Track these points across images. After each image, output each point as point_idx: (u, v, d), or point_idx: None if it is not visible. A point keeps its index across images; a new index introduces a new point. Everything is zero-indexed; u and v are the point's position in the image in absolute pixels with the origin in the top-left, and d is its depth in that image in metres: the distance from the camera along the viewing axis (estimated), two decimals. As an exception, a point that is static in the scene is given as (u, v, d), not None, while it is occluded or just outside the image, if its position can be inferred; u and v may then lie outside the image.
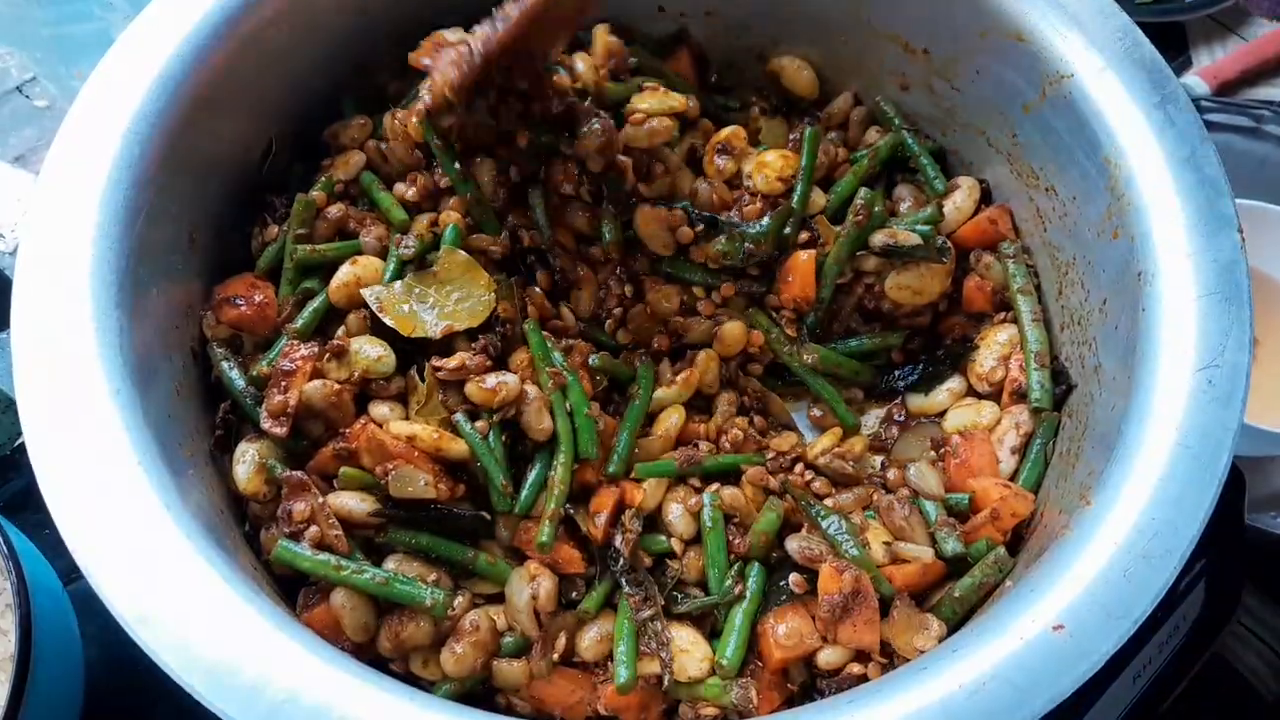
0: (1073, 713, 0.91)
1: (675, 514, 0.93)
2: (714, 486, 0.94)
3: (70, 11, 1.45)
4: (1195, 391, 0.79)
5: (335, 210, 0.98)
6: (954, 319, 1.09)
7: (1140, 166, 0.88)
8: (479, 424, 0.89)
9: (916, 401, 1.06)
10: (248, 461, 0.88)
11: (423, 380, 0.91)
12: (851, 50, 1.12)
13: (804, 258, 1.03)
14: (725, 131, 1.07)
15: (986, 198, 1.08)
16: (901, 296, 1.05)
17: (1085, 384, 0.94)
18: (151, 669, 0.67)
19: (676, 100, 1.03)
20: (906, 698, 0.70)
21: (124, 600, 0.69)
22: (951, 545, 0.88)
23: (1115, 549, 0.74)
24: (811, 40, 1.14)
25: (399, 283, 0.93)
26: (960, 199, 1.07)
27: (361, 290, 0.92)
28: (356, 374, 0.90)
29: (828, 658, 0.85)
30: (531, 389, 0.91)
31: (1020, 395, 0.99)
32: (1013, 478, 0.95)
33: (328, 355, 0.90)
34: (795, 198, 1.04)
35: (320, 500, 0.85)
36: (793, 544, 0.89)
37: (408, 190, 0.99)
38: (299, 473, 0.86)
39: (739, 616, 0.87)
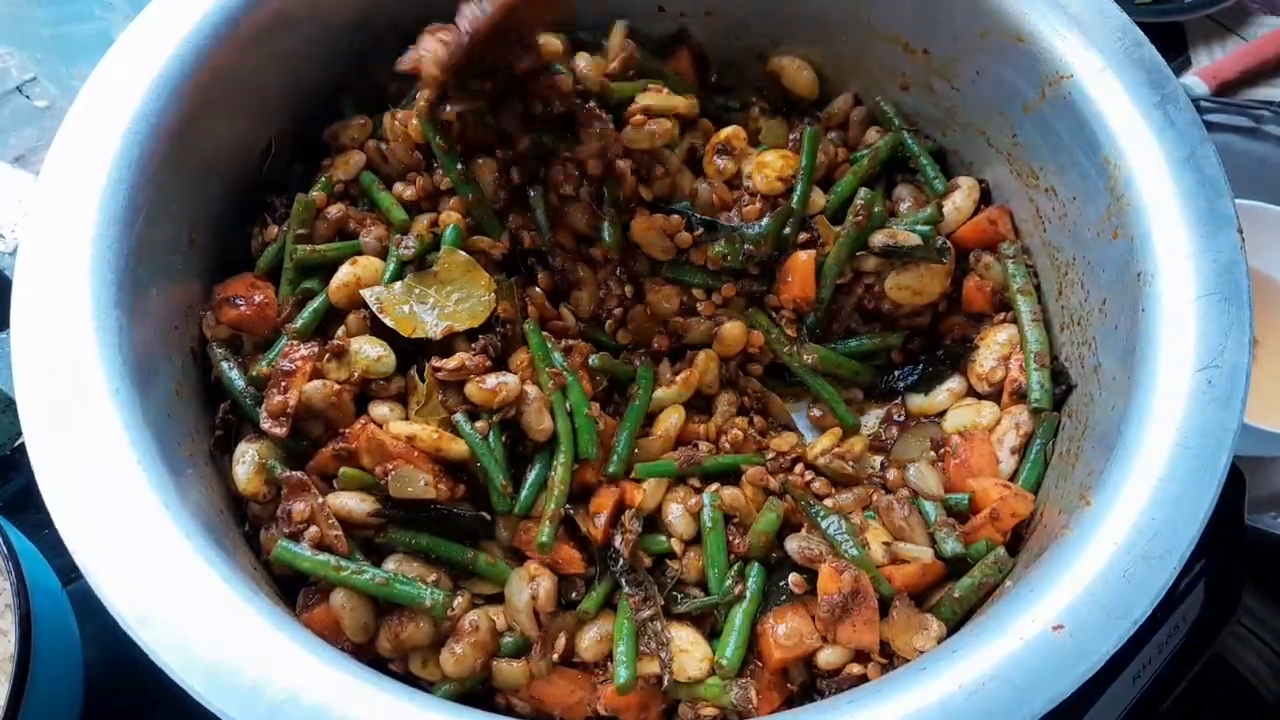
0: (1073, 713, 0.91)
1: (675, 514, 0.93)
2: (714, 486, 0.94)
3: (70, 11, 1.45)
4: (1195, 392, 0.79)
5: (335, 210, 0.98)
6: (954, 319, 1.09)
7: (1140, 167, 0.88)
8: (479, 424, 0.89)
9: (916, 402, 1.06)
10: (247, 462, 0.88)
11: (423, 380, 0.91)
12: (851, 50, 1.12)
13: (804, 258, 1.03)
14: (725, 132, 1.07)
15: (986, 198, 1.08)
16: (901, 297, 1.05)
17: (1085, 384, 0.94)
18: (151, 669, 0.67)
19: (681, 102, 1.03)
20: (906, 698, 0.70)
21: (124, 600, 0.69)
22: (951, 545, 0.88)
23: (1115, 549, 0.74)
24: (811, 40, 1.14)
25: (399, 283, 0.93)
26: (960, 199, 1.07)
27: (362, 291, 0.92)
28: (356, 374, 0.90)
29: (827, 658, 0.85)
30: (531, 389, 0.91)
31: (1020, 395, 0.99)
32: (1012, 478, 0.95)
33: (328, 355, 0.90)
34: (795, 198, 1.04)
35: (320, 500, 0.85)
36: (792, 544, 0.89)
37: (406, 190, 0.99)
38: (299, 473, 0.86)
39: (739, 616, 0.87)
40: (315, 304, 0.94)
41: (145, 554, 0.71)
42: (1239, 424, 0.78)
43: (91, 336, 0.78)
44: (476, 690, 0.86)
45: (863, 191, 1.04)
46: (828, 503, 0.95)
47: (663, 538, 0.92)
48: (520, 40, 0.94)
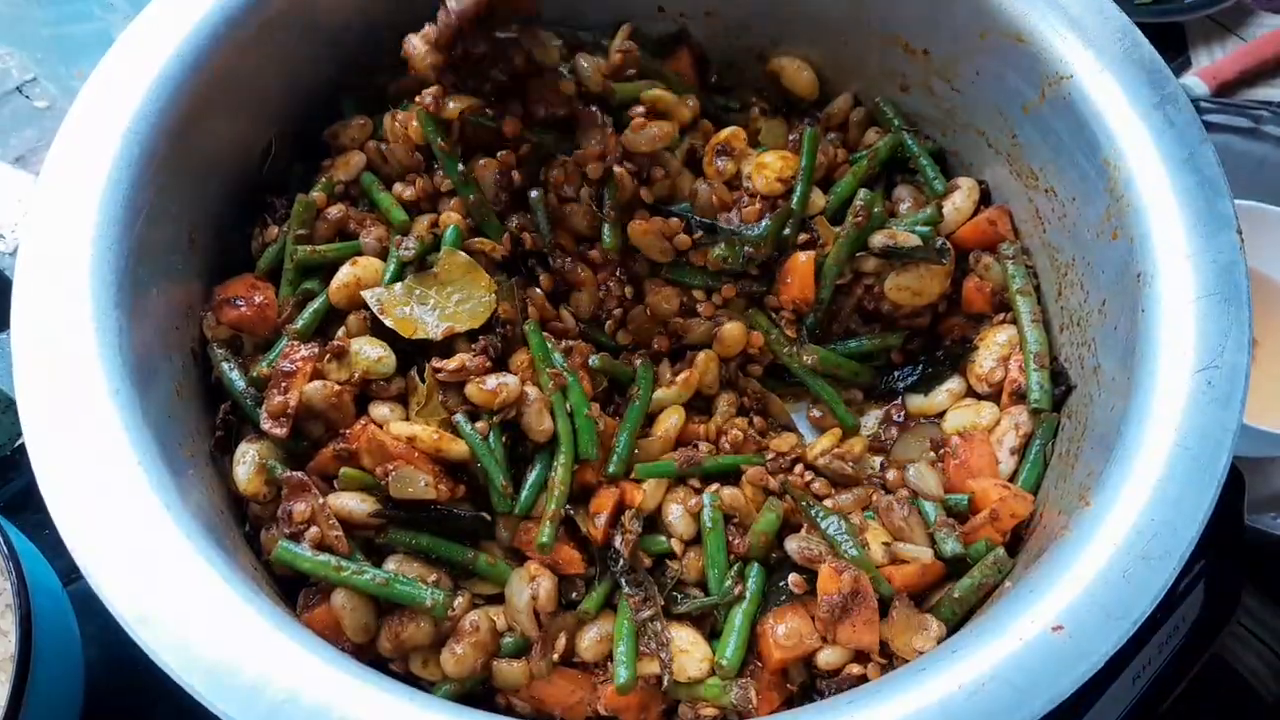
0: (1072, 713, 0.91)
1: (675, 514, 0.93)
2: (714, 487, 0.94)
3: (70, 11, 1.45)
4: (1194, 392, 0.79)
5: (335, 211, 0.98)
6: (953, 320, 1.09)
7: (1139, 168, 0.88)
8: (479, 425, 0.89)
9: (916, 402, 1.06)
10: (248, 462, 0.88)
11: (423, 381, 0.91)
12: (851, 51, 1.12)
13: (803, 259, 1.03)
14: (725, 132, 1.07)
15: (986, 198, 1.09)
16: (901, 297, 1.05)
17: (1084, 385, 0.94)
18: (151, 669, 0.67)
19: (686, 114, 1.05)
20: (905, 698, 0.70)
21: (124, 600, 0.69)
22: (951, 546, 0.88)
23: (1114, 550, 0.74)
24: (811, 41, 1.14)
25: (399, 284, 0.93)
26: (960, 200, 1.07)
27: (362, 292, 0.92)
28: (357, 375, 0.90)
29: (827, 658, 0.85)
30: (532, 390, 0.91)
31: (1019, 396, 0.99)
32: (1012, 478, 0.95)
33: (328, 356, 0.90)
34: (795, 199, 1.04)
35: (320, 501, 0.85)
36: (792, 544, 0.89)
37: (406, 190, 0.99)
38: (299, 473, 0.86)
39: (739, 617, 0.87)
40: (315, 305, 0.94)
41: (146, 554, 0.71)
42: (1238, 424, 0.78)
43: (92, 337, 0.78)
44: (477, 690, 0.86)
45: (862, 192, 1.04)
46: (827, 503, 0.95)
47: (663, 538, 0.93)
48: (510, 20, 0.93)
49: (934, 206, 1.06)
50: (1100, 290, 0.93)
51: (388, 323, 0.91)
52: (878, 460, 1.04)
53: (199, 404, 0.91)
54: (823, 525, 0.90)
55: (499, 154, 0.98)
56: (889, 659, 0.84)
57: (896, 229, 1.03)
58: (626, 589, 0.87)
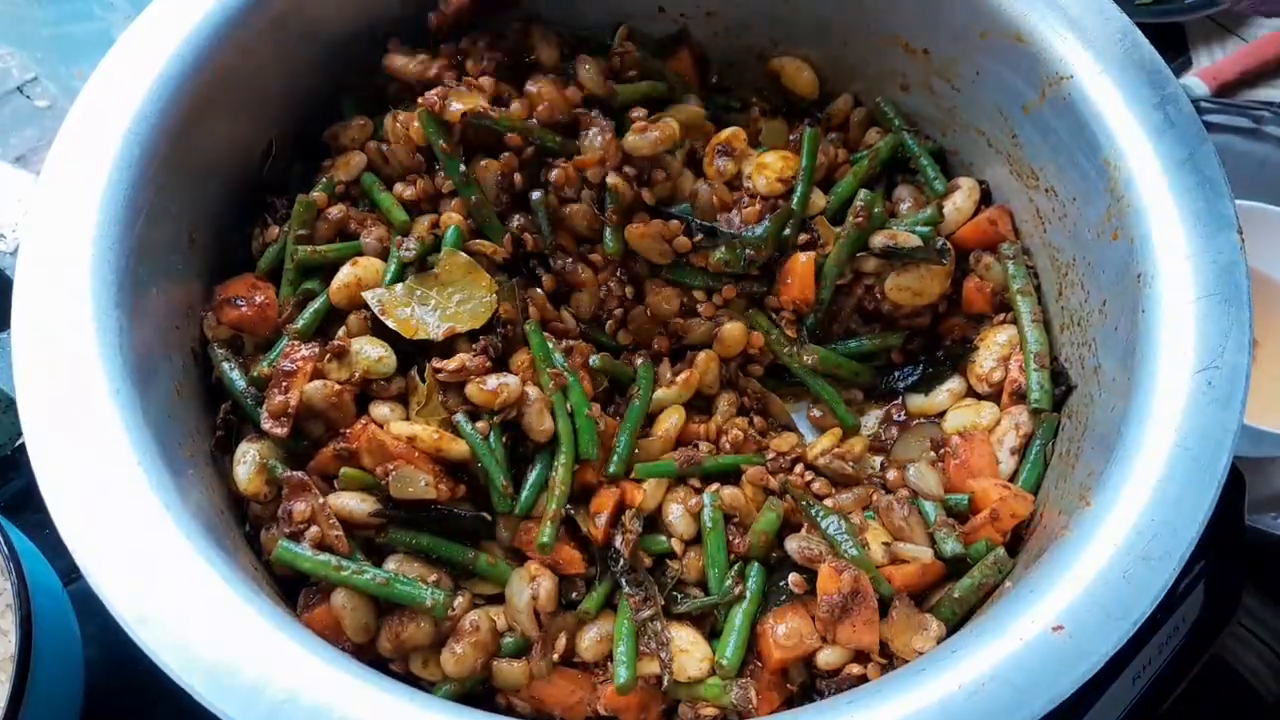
0: (1072, 713, 0.91)
1: (675, 514, 0.93)
2: (714, 487, 0.94)
3: (71, 11, 1.45)
4: (1195, 393, 0.79)
5: (336, 211, 0.98)
6: (954, 320, 1.09)
7: (1140, 168, 0.88)
8: (480, 425, 0.89)
9: (916, 402, 1.06)
10: (248, 462, 0.88)
11: (423, 381, 0.91)
12: (852, 51, 1.12)
13: (803, 260, 1.03)
14: (725, 133, 1.07)
15: (986, 198, 1.08)
16: (901, 298, 1.05)
17: (1085, 385, 0.94)
18: (151, 669, 0.67)
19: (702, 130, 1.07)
20: (905, 698, 0.70)
21: (124, 600, 0.69)
22: (951, 546, 0.88)
23: (1115, 550, 0.74)
24: (812, 41, 1.14)
25: (400, 285, 0.93)
26: (960, 200, 1.07)
27: (363, 293, 0.92)
28: (357, 375, 0.90)
29: (827, 658, 0.85)
30: (532, 390, 0.91)
31: (1020, 396, 0.99)
32: (1012, 478, 0.95)
33: (328, 356, 0.90)
34: (795, 199, 1.04)
35: (321, 501, 0.85)
36: (792, 544, 0.89)
37: (406, 190, 0.99)
38: (299, 473, 0.86)
39: (739, 616, 0.87)
40: (316, 304, 0.94)
41: (145, 554, 0.71)
42: (1239, 425, 0.78)
43: (92, 336, 0.78)
44: (477, 690, 0.86)
45: (863, 192, 1.04)
46: (828, 503, 0.95)
47: (663, 538, 0.93)
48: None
49: (934, 206, 1.06)
50: (1101, 290, 0.93)
51: (389, 323, 0.91)
52: (878, 460, 1.04)
53: (199, 404, 0.91)
54: (823, 525, 0.90)
55: (501, 156, 0.98)
56: (889, 659, 0.84)
57: (897, 229, 1.03)
58: (626, 589, 0.87)
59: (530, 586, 0.85)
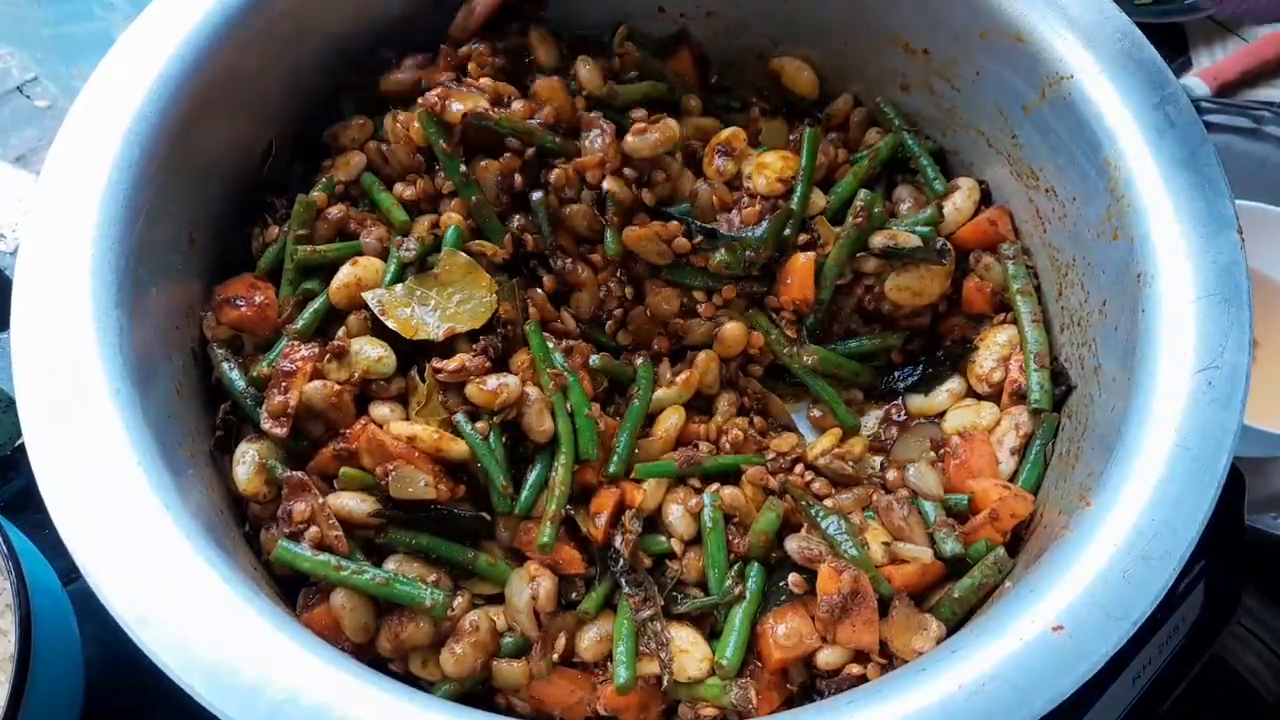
0: (1072, 714, 0.91)
1: (675, 514, 0.93)
2: (714, 487, 0.94)
3: (71, 11, 1.45)
4: (1195, 393, 0.79)
5: (336, 211, 0.98)
6: (954, 320, 1.09)
7: (1140, 168, 0.88)
8: (479, 425, 0.89)
9: (916, 402, 1.06)
10: (248, 462, 0.88)
11: (423, 381, 0.91)
12: (851, 51, 1.12)
13: (803, 260, 1.03)
14: (725, 133, 1.07)
15: (986, 199, 1.08)
16: (901, 298, 1.05)
17: (1085, 385, 0.94)
18: (151, 669, 0.67)
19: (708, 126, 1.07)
20: (906, 698, 0.70)
21: (124, 600, 0.69)
22: (951, 546, 0.88)
23: (1115, 550, 0.74)
24: (812, 41, 1.14)
25: (400, 285, 0.93)
26: (960, 200, 1.07)
27: (363, 293, 0.92)
28: (357, 375, 0.90)
29: (827, 658, 0.85)
30: (532, 390, 0.91)
31: (1020, 396, 0.99)
32: (1012, 478, 0.95)
33: (328, 356, 0.90)
34: (795, 199, 1.04)
35: (320, 501, 0.85)
36: (792, 544, 0.89)
37: (406, 190, 0.99)
38: (299, 473, 0.86)
39: (739, 617, 0.87)
40: (316, 305, 0.94)
41: (145, 554, 0.71)
42: (1239, 425, 0.78)
43: (92, 336, 0.78)
44: (476, 690, 0.86)
45: (863, 192, 1.04)
46: (828, 503, 0.94)
47: (663, 538, 0.92)
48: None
49: (934, 207, 1.06)
50: (1101, 290, 0.93)
51: (389, 323, 0.91)
52: (878, 460, 1.04)
53: (199, 404, 0.91)
54: (823, 525, 0.90)
55: (501, 157, 0.98)
56: (889, 659, 0.84)
57: (897, 229, 1.03)
58: (626, 589, 0.87)
59: (530, 586, 0.85)
